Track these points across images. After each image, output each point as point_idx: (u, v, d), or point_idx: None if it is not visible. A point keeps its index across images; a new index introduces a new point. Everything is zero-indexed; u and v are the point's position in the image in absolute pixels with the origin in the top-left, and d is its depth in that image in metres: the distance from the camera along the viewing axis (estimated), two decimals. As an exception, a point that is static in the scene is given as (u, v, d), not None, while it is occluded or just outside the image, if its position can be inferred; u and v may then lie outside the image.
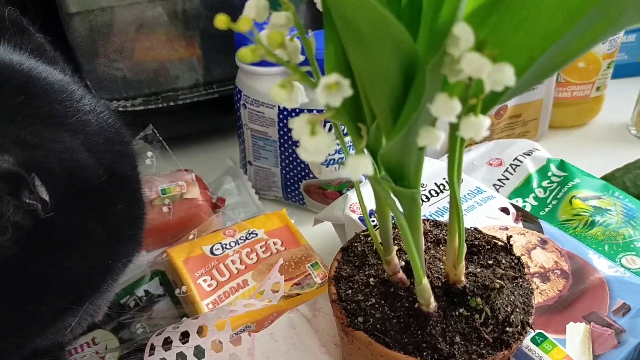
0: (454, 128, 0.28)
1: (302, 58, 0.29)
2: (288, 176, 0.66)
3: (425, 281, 0.35)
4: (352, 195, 0.57)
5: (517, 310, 0.38)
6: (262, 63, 0.61)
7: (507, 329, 0.37)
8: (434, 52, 0.23)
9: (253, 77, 0.62)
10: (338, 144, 0.61)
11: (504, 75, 0.22)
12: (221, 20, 0.23)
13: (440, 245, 0.44)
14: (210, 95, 0.73)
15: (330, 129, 0.60)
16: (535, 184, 0.63)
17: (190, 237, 0.58)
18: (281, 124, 0.62)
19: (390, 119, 0.27)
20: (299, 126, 0.27)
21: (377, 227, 0.38)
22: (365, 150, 0.30)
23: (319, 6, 0.29)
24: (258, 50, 0.24)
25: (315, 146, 0.26)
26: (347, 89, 0.24)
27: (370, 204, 0.56)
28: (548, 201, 0.61)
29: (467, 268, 0.40)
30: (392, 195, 0.31)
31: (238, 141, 0.69)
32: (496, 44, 0.23)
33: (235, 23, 0.23)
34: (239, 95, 0.64)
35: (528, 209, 0.61)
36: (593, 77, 0.75)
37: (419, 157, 0.30)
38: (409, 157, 0.29)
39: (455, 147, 0.29)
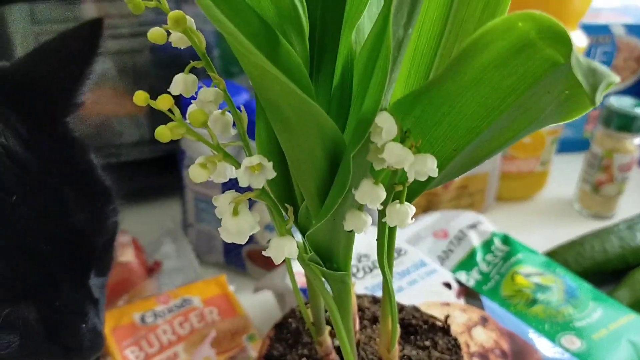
0: (381, 214, 0.27)
1: (233, 132, 0.29)
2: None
3: (355, 367, 0.34)
4: (293, 264, 0.56)
5: (452, 396, 0.37)
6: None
7: (441, 417, 0.36)
8: (359, 140, 0.23)
9: (199, 138, 0.61)
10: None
11: (427, 166, 0.22)
12: (139, 98, 0.22)
13: (377, 324, 0.42)
14: (154, 154, 0.72)
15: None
16: (479, 257, 0.63)
17: (120, 302, 0.55)
18: (225, 187, 0.61)
19: (317, 201, 0.26)
20: (221, 205, 0.26)
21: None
22: (295, 229, 0.29)
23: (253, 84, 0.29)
24: (178, 128, 0.23)
25: (237, 227, 0.25)
26: (271, 172, 0.24)
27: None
28: (491, 275, 0.61)
29: (402, 349, 0.39)
30: (321, 277, 0.30)
31: (180, 202, 0.67)
32: (420, 134, 0.23)
33: (155, 101, 0.22)
34: (182, 155, 0.62)
35: (472, 283, 0.61)
36: (538, 152, 0.76)
37: (348, 239, 0.29)
38: (337, 239, 0.28)
39: (384, 232, 0.28)
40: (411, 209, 0.24)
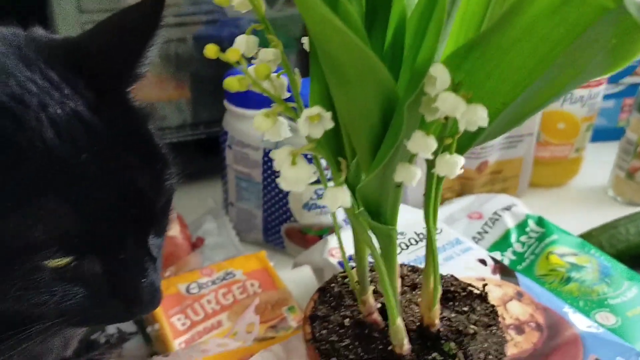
0: (430, 166, 0.29)
1: (287, 94, 0.30)
2: (269, 219, 0.66)
3: (400, 321, 0.35)
4: (331, 240, 0.58)
5: (490, 357, 0.38)
6: (249, 105, 0.62)
7: (480, 376, 0.37)
8: (413, 91, 0.25)
9: (240, 118, 0.63)
10: (319, 191, 0.62)
11: (477, 115, 0.24)
12: (210, 50, 0.24)
13: (417, 290, 0.44)
14: (196, 136, 0.74)
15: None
16: (513, 238, 0.64)
17: (167, 274, 0.57)
18: (265, 166, 0.63)
19: (368, 154, 0.28)
20: (280, 157, 0.28)
21: (355, 268, 0.38)
22: (345, 186, 0.31)
23: (306, 46, 0.31)
24: (244, 80, 0.25)
25: (295, 176, 0.27)
26: (329, 122, 0.25)
27: (349, 249, 0.56)
28: (525, 256, 0.62)
29: (441, 313, 0.41)
30: (369, 231, 0.32)
31: (221, 182, 0.70)
32: (471, 87, 0.25)
33: (224, 53, 0.24)
34: (225, 136, 0.65)
35: (506, 262, 0.62)
36: (572, 138, 0.77)
37: (396, 194, 0.30)
38: (386, 193, 0.30)
39: (432, 184, 0.29)
40: (460, 159, 0.26)
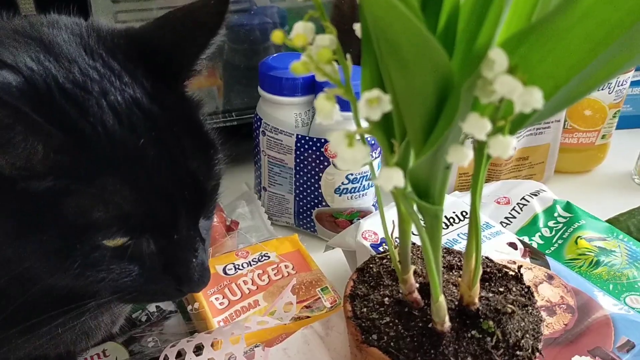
0: (480, 148, 0.30)
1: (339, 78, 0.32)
2: (301, 203, 0.68)
3: (442, 298, 0.37)
4: (364, 223, 0.59)
5: (527, 335, 0.40)
6: (283, 92, 0.63)
7: (518, 352, 0.38)
8: (467, 75, 0.26)
9: (274, 105, 0.64)
10: (350, 175, 0.63)
11: (533, 97, 0.25)
12: (277, 36, 0.25)
13: (453, 271, 0.45)
14: (228, 123, 0.76)
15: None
16: (541, 223, 0.65)
17: (205, 255, 0.59)
18: (298, 152, 0.64)
19: (422, 136, 0.29)
20: (336, 139, 0.29)
21: (397, 247, 0.40)
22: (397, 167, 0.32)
23: (358, 33, 0.32)
24: (308, 65, 0.26)
25: (352, 156, 0.28)
26: (387, 104, 0.27)
27: (380, 233, 0.58)
28: (554, 240, 0.63)
29: (479, 292, 0.42)
30: (416, 211, 0.33)
31: (254, 167, 0.71)
32: (524, 71, 0.26)
33: (290, 39, 0.26)
34: (258, 123, 0.66)
35: (534, 247, 0.63)
36: (599, 125, 0.77)
37: (444, 175, 0.31)
38: (436, 174, 0.31)
39: (480, 166, 0.31)
40: (513, 140, 0.27)
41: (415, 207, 0.33)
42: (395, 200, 0.35)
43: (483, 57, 0.25)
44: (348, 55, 0.32)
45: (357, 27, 0.32)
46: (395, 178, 0.29)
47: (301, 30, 0.29)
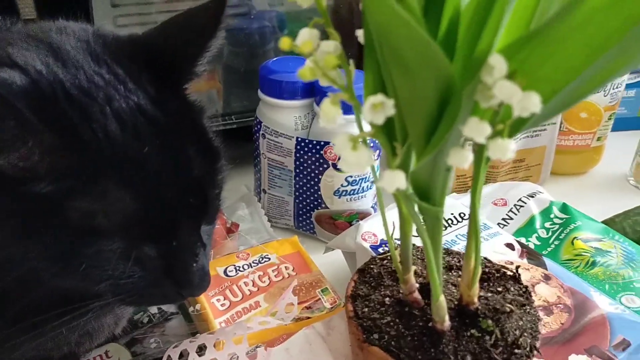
0: (480, 151, 0.31)
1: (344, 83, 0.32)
2: (301, 205, 0.68)
3: (442, 298, 0.37)
4: (363, 225, 0.60)
5: (526, 334, 0.40)
6: (283, 96, 0.64)
7: (516, 350, 0.39)
8: (468, 80, 0.26)
9: (274, 108, 0.65)
10: (349, 178, 0.64)
11: (531, 102, 0.25)
12: (285, 43, 0.26)
13: (453, 271, 0.46)
14: (228, 126, 0.76)
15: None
16: (538, 224, 0.66)
17: (206, 257, 0.60)
18: (298, 155, 0.65)
19: (423, 139, 0.30)
20: (340, 142, 0.30)
21: (397, 248, 0.40)
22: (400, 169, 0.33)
23: (361, 39, 0.33)
24: (314, 71, 0.27)
25: (356, 159, 0.29)
26: (390, 109, 0.27)
27: (380, 234, 0.58)
28: (550, 241, 0.64)
29: (478, 292, 0.43)
30: (417, 213, 0.34)
31: (254, 170, 0.72)
32: (523, 75, 0.26)
33: (297, 46, 0.26)
34: (258, 126, 0.67)
35: (531, 247, 0.63)
36: (594, 127, 0.78)
37: (445, 177, 0.32)
38: (437, 176, 0.32)
39: (479, 168, 0.31)
40: (512, 143, 0.28)
41: (416, 209, 0.34)
42: (397, 202, 0.36)
43: (483, 63, 0.25)
44: (351, 61, 0.33)
45: (359, 33, 0.32)
46: (398, 180, 0.29)
47: (307, 36, 0.30)
